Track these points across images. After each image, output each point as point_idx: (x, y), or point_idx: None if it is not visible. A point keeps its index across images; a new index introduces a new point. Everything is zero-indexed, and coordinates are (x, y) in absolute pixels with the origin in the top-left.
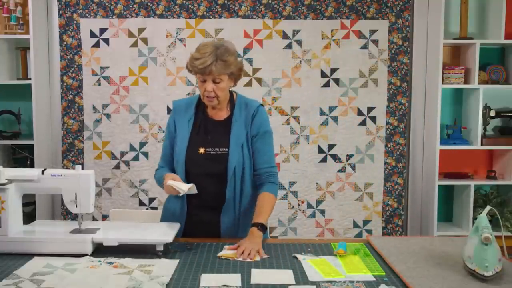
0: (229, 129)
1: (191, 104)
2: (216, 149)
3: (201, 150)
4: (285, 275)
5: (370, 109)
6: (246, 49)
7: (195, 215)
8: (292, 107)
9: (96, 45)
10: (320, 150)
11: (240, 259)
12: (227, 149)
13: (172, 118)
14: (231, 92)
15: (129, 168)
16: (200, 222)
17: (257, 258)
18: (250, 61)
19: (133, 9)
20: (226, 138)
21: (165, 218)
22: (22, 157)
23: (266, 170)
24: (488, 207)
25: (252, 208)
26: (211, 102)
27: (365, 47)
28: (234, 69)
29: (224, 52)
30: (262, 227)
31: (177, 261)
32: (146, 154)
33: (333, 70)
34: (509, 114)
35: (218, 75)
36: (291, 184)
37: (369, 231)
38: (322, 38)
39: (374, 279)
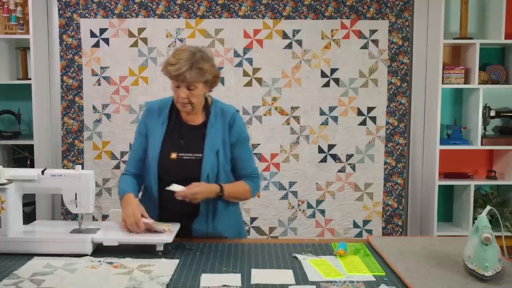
0: (204, 134)
1: (164, 107)
2: (190, 154)
3: (173, 156)
4: (285, 275)
5: (370, 109)
6: (246, 49)
7: (167, 221)
8: (292, 107)
9: (96, 45)
10: (320, 150)
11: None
12: (201, 155)
13: (144, 120)
14: (206, 97)
15: None
16: None
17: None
18: (250, 61)
19: (133, 9)
20: (200, 143)
21: None
22: (22, 157)
23: (248, 174)
24: (488, 207)
25: (226, 217)
26: (185, 108)
27: (365, 47)
28: (209, 76)
29: (200, 59)
30: (221, 190)
31: (177, 261)
32: None
33: (333, 70)
34: (509, 114)
35: (192, 83)
36: (291, 184)
37: (369, 231)
38: (322, 38)
39: (374, 279)
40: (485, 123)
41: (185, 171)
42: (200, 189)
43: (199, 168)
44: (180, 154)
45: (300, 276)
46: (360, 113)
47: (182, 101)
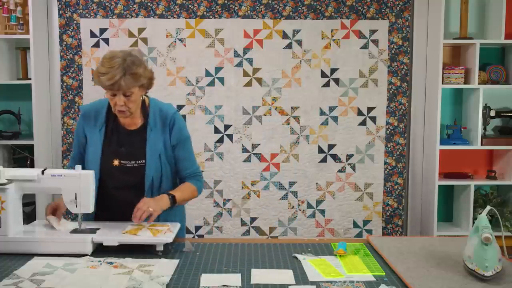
0: (144, 138)
1: (100, 111)
2: (133, 162)
3: (116, 162)
4: (285, 275)
5: (370, 109)
6: (246, 49)
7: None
8: (292, 107)
9: (96, 45)
10: (320, 150)
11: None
12: (143, 161)
13: (81, 125)
14: (143, 98)
15: None
16: None
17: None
18: (250, 61)
19: (133, 9)
20: (142, 149)
21: None
22: (22, 157)
23: (190, 173)
24: (488, 207)
25: (171, 218)
26: (123, 114)
27: (365, 47)
28: (144, 80)
29: (132, 64)
30: (172, 199)
31: (177, 261)
32: None
33: (333, 70)
34: (509, 114)
35: (129, 89)
36: (291, 184)
37: (369, 231)
38: (322, 38)
39: (374, 279)
40: (485, 123)
41: (129, 178)
42: (152, 205)
43: (143, 174)
44: (122, 162)
45: (300, 276)
46: (360, 113)
47: (120, 108)
